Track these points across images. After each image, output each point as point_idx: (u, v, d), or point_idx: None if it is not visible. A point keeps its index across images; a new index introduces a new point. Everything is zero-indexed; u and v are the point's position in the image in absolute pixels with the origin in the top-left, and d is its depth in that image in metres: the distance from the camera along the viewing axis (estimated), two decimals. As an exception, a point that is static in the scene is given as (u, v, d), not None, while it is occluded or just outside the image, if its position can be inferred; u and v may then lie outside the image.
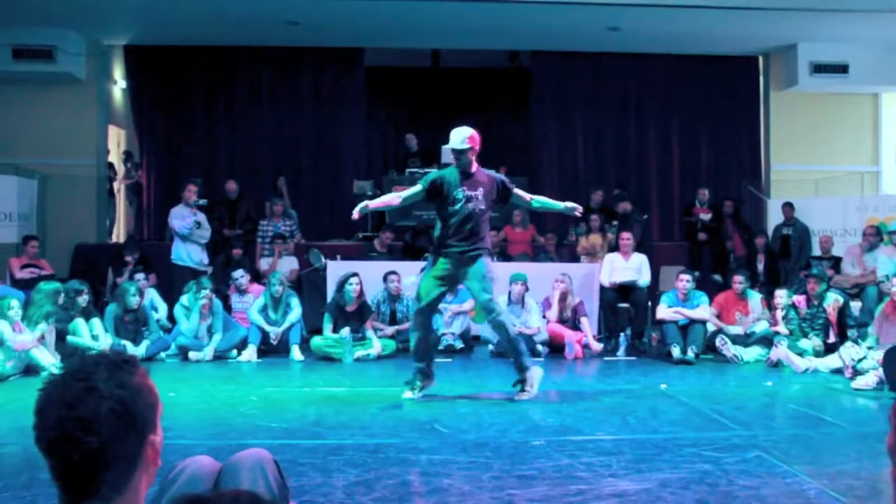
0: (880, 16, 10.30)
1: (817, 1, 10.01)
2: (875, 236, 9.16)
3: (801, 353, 7.02)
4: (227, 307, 8.26)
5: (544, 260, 10.20)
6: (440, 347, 7.82)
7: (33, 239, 9.19)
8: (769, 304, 7.89)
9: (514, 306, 8.00)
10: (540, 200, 5.93)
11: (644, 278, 8.62)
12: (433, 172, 5.86)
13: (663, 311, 7.81)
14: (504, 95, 14.43)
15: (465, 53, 13.12)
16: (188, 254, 8.71)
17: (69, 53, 11.05)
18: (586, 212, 10.91)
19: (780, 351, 7.08)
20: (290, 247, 10.11)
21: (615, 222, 10.60)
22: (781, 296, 7.82)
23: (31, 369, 6.56)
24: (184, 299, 7.82)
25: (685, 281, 7.87)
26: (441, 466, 3.69)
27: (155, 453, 1.31)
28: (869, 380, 5.89)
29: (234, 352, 7.72)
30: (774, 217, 11.35)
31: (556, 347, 7.97)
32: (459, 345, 8.18)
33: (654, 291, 9.09)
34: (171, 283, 8.86)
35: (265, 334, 7.73)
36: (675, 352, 7.43)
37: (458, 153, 5.45)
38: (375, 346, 7.67)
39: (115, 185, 12.57)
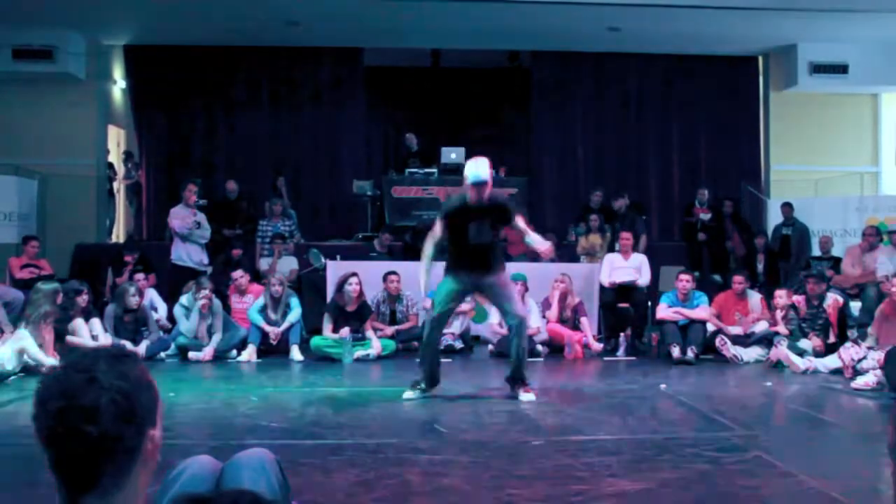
0: (880, 16, 10.31)
1: (817, 1, 10.01)
2: (875, 236, 9.16)
3: (800, 354, 7.03)
4: (227, 307, 8.26)
5: (544, 260, 10.18)
6: (440, 347, 7.81)
7: (33, 239, 9.18)
8: (769, 305, 7.89)
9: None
10: (529, 238, 5.79)
11: (644, 278, 8.63)
12: (447, 203, 5.81)
13: (663, 312, 7.81)
14: (504, 95, 14.42)
15: (465, 53, 13.13)
16: (188, 254, 8.71)
17: (69, 53, 11.05)
18: (586, 212, 10.98)
19: (780, 351, 7.08)
20: (290, 247, 10.11)
21: (616, 223, 10.61)
22: (781, 296, 7.83)
23: (30, 370, 6.54)
24: (183, 299, 7.82)
25: (685, 281, 7.88)
26: (441, 466, 3.69)
27: (154, 448, 1.32)
28: (868, 380, 5.89)
29: (234, 352, 7.72)
30: (774, 217, 11.36)
31: (555, 348, 7.98)
32: (459, 345, 8.19)
33: (653, 291, 9.09)
34: (171, 283, 8.86)
35: (265, 334, 7.72)
36: (675, 352, 7.43)
37: (479, 185, 5.41)
38: (375, 346, 7.67)
39: (115, 185, 12.57)
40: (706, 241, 10.97)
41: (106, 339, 7.26)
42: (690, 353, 7.41)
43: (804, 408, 5.34)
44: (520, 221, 5.71)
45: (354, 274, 7.87)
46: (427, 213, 10.85)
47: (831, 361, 6.70)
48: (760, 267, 9.98)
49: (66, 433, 1.22)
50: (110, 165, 12.38)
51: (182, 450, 3.12)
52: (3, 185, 10.22)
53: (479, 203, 5.44)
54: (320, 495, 3.23)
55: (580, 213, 11.32)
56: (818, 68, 11.77)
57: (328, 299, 8.31)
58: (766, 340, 7.55)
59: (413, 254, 10.07)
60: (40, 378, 1.31)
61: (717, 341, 7.60)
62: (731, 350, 7.49)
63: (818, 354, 7.04)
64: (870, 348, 6.37)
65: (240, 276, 8.38)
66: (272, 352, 7.77)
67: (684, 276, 7.94)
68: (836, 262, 9.50)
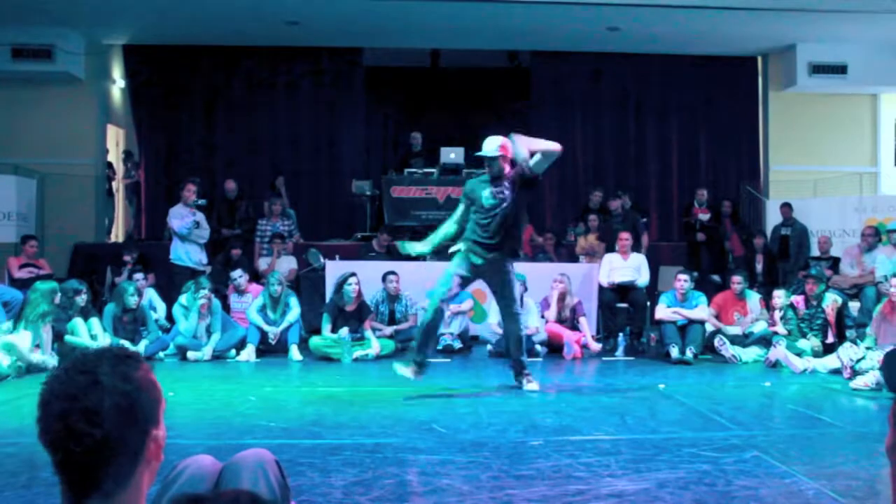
0: (879, 16, 10.31)
1: (816, 1, 10.02)
2: (873, 237, 9.17)
3: (799, 354, 7.03)
4: (226, 307, 8.26)
5: (543, 260, 10.21)
6: (439, 347, 7.83)
7: (32, 238, 9.18)
8: (767, 305, 7.90)
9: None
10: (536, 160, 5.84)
11: (643, 278, 8.63)
12: (469, 183, 5.95)
13: (662, 312, 7.82)
14: (503, 95, 14.41)
15: (464, 53, 13.13)
16: (187, 253, 8.71)
17: (68, 53, 11.04)
18: (585, 212, 10.99)
19: (779, 351, 7.08)
20: (289, 246, 10.11)
21: (612, 223, 10.61)
22: (780, 296, 7.83)
23: (30, 369, 6.54)
24: (182, 299, 7.82)
25: (683, 281, 7.88)
26: (439, 466, 3.69)
27: (157, 449, 1.32)
28: (867, 380, 5.90)
29: (233, 351, 7.72)
30: (773, 217, 11.36)
31: (554, 347, 7.98)
32: (458, 345, 8.19)
33: (652, 292, 9.09)
34: (170, 282, 8.86)
35: (264, 334, 7.73)
36: (674, 352, 7.43)
37: (489, 160, 5.65)
38: (374, 346, 7.67)
39: (115, 184, 12.57)
40: (705, 242, 10.98)
41: (105, 339, 7.26)
42: (689, 353, 7.41)
43: (803, 408, 5.34)
44: (532, 162, 5.66)
45: (354, 274, 7.87)
46: (426, 213, 10.85)
47: (830, 362, 6.71)
48: (759, 267, 9.99)
49: (69, 435, 1.22)
50: (109, 165, 12.38)
51: (181, 449, 3.12)
52: (2, 185, 10.22)
53: (494, 176, 5.63)
54: (319, 495, 3.23)
55: (579, 214, 11.33)
56: (817, 69, 11.77)
57: (327, 299, 8.31)
58: (765, 341, 7.56)
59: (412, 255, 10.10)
60: (44, 379, 1.31)
61: (716, 341, 7.60)
62: (730, 350, 7.49)
63: (817, 354, 7.04)
64: (868, 348, 6.38)
65: (239, 275, 8.38)
66: (271, 351, 7.77)
67: (682, 277, 7.95)
68: (834, 263, 9.51)
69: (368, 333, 7.79)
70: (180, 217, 8.72)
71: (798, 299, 7.60)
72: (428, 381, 5.84)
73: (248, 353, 7.58)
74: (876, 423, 4.97)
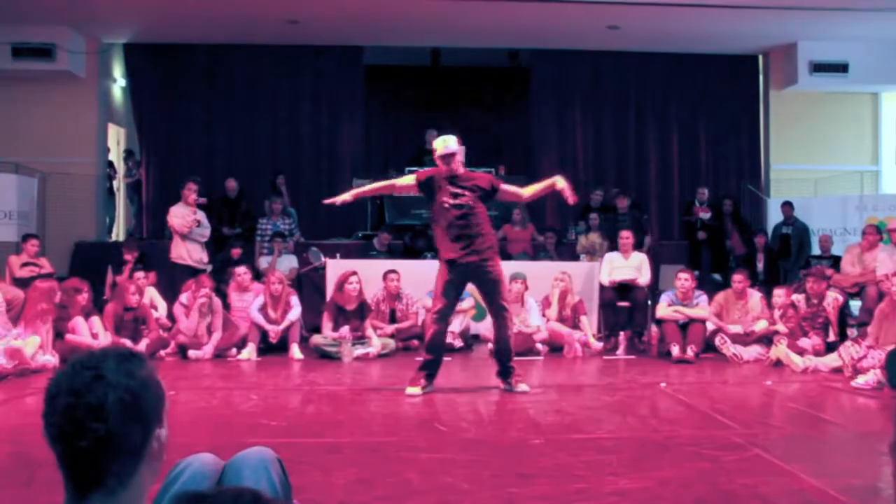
0: (880, 15, 10.31)
1: (817, 0, 10.02)
2: (874, 235, 9.16)
3: (800, 352, 7.03)
4: (226, 305, 8.25)
5: (544, 258, 10.21)
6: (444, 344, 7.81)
7: (33, 237, 9.18)
8: (769, 303, 7.89)
9: (514, 305, 8.00)
10: (530, 188, 6.04)
11: (644, 278, 8.62)
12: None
13: (663, 310, 7.81)
14: (504, 94, 14.43)
15: (464, 52, 13.13)
16: (188, 252, 8.71)
17: (69, 52, 11.05)
18: (586, 211, 11.00)
19: (780, 350, 7.08)
20: (290, 245, 10.11)
21: (616, 222, 10.63)
22: (780, 295, 7.83)
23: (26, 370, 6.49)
24: (183, 297, 7.81)
25: (684, 280, 7.87)
26: (441, 465, 3.69)
27: (160, 447, 1.32)
28: (868, 379, 5.90)
29: (234, 350, 7.72)
30: (774, 216, 11.36)
31: (555, 346, 7.98)
32: (458, 344, 8.18)
33: (654, 290, 9.09)
34: (171, 281, 8.85)
35: (264, 333, 7.73)
36: (675, 351, 7.43)
37: (446, 158, 5.64)
38: (375, 344, 7.68)
39: (116, 183, 12.57)
40: (706, 240, 10.99)
41: (106, 338, 7.26)
42: (690, 352, 7.41)
43: (804, 406, 5.34)
44: (508, 187, 5.88)
45: (354, 273, 7.87)
46: (427, 212, 10.84)
47: (831, 360, 6.70)
48: (760, 266, 9.99)
49: (74, 430, 1.23)
50: (110, 164, 12.39)
51: (181, 448, 3.11)
52: (3, 184, 10.22)
53: (453, 175, 5.62)
54: (320, 494, 3.23)
55: (580, 212, 11.33)
56: (818, 67, 11.77)
57: (328, 298, 8.31)
58: (766, 339, 7.55)
59: (412, 254, 10.11)
60: (51, 375, 1.32)
61: (717, 340, 7.60)
62: (731, 349, 7.49)
63: (818, 353, 7.04)
64: (870, 347, 6.37)
65: (243, 272, 8.37)
66: (272, 350, 7.77)
67: (684, 275, 7.94)
68: (835, 261, 9.50)
69: (369, 332, 7.79)
70: (181, 216, 8.71)
71: (799, 298, 7.59)
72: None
73: (249, 351, 7.58)
74: (877, 421, 4.97)
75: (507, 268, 8.39)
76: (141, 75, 12.49)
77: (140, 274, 8.51)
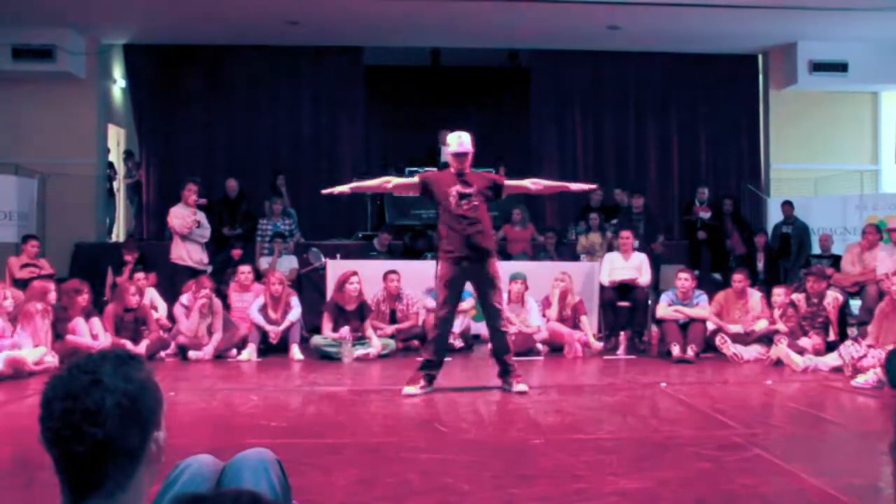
0: (879, 14, 10.30)
1: (817, -1, 10.02)
2: (874, 234, 9.16)
3: (800, 352, 7.02)
4: (226, 306, 8.25)
5: (544, 258, 10.21)
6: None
7: (33, 238, 9.18)
8: (769, 303, 7.89)
9: (514, 305, 8.00)
10: (541, 182, 6.09)
11: (644, 278, 8.62)
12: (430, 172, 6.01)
13: (663, 310, 7.81)
14: (504, 94, 14.43)
15: (465, 52, 13.12)
16: (188, 253, 8.71)
17: (69, 53, 11.05)
18: (586, 211, 11.00)
19: (780, 349, 7.08)
20: (290, 246, 10.11)
21: (614, 221, 10.64)
22: (779, 294, 7.83)
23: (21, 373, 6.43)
24: (183, 298, 7.81)
25: (684, 280, 7.87)
26: (441, 465, 3.69)
27: (158, 450, 1.32)
28: (869, 378, 5.90)
29: (234, 351, 7.72)
30: (774, 216, 11.36)
31: (555, 346, 7.98)
32: (459, 344, 8.18)
33: (655, 290, 9.09)
34: (171, 282, 8.85)
35: (265, 333, 7.72)
36: (675, 350, 7.43)
37: (461, 156, 5.63)
38: (375, 345, 7.68)
39: (116, 184, 12.57)
40: (706, 240, 10.98)
41: (106, 339, 7.26)
42: (690, 352, 7.40)
43: (804, 406, 5.33)
44: (512, 182, 5.93)
45: (355, 273, 7.87)
46: (427, 213, 10.85)
47: (831, 360, 6.70)
48: (760, 265, 9.98)
49: (71, 434, 1.23)
50: (110, 165, 12.39)
51: (181, 449, 3.11)
52: (3, 185, 10.22)
53: (461, 173, 5.64)
54: (320, 495, 3.23)
55: (580, 212, 11.33)
56: (818, 66, 11.77)
57: (328, 298, 8.31)
58: (766, 339, 7.55)
59: (413, 255, 10.11)
60: (48, 379, 1.32)
61: (717, 340, 7.60)
62: (731, 348, 7.48)
63: (818, 353, 7.04)
64: (870, 346, 6.37)
65: (247, 271, 8.36)
66: (272, 351, 7.77)
67: (684, 275, 7.94)
68: (835, 261, 9.50)
69: (370, 332, 7.79)
70: (181, 217, 8.71)
71: (799, 297, 7.59)
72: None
73: (250, 352, 7.58)
74: (877, 421, 4.97)
75: (508, 268, 8.45)
76: (141, 76, 12.50)
77: (140, 275, 8.51)
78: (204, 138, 12.61)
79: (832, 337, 7.32)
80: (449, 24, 11.23)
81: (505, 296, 7.63)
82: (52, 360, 6.71)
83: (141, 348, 7.28)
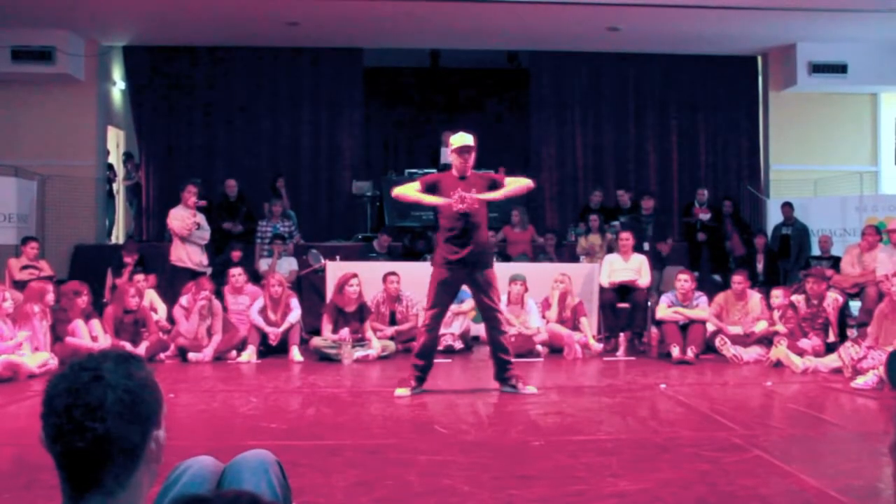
0: (879, 16, 10.32)
1: (816, 1, 10.02)
2: (874, 236, 9.16)
3: (800, 353, 7.02)
4: (224, 308, 8.25)
5: (544, 260, 10.21)
6: (439, 348, 7.82)
7: (33, 240, 9.18)
8: (768, 304, 7.89)
9: (514, 307, 8.00)
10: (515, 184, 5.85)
11: (644, 279, 8.62)
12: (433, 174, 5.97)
13: (663, 312, 7.81)
14: (503, 96, 14.44)
15: (464, 54, 13.14)
16: (187, 255, 8.71)
17: (68, 54, 11.06)
18: (585, 212, 11.00)
19: (780, 351, 7.08)
20: (290, 248, 10.12)
21: (614, 222, 10.65)
22: (777, 296, 7.82)
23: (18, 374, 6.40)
24: (183, 300, 7.81)
25: (684, 281, 7.87)
26: (441, 467, 3.69)
27: (158, 450, 1.33)
28: (868, 380, 5.90)
29: (234, 353, 7.71)
30: (774, 217, 11.37)
31: (555, 348, 7.98)
32: (459, 345, 8.18)
33: (656, 291, 9.09)
34: (171, 283, 8.86)
35: (264, 335, 7.72)
36: (675, 352, 7.43)
37: (466, 150, 5.58)
38: (375, 346, 7.67)
39: (115, 186, 12.58)
40: (706, 242, 10.98)
41: (106, 341, 7.26)
42: (690, 353, 7.40)
43: (804, 407, 5.33)
44: (506, 179, 5.79)
45: (355, 275, 7.87)
46: (427, 214, 10.85)
47: (831, 361, 6.70)
48: (760, 267, 9.99)
49: (72, 430, 1.24)
50: (110, 167, 12.39)
51: (181, 451, 3.11)
52: (3, 187, 10.23)
53: (463, 177, 5.62)
54: (320, 496, 3.23)
55: (579, 214, 11.33)
56: (817, 68, 11.78)
57: (327, 300, 8.31)
58: (766, 340, 7.55)
59: (412, 256, 10.11)
60: (50, 377, 1.33)
61: (717, 341, 7.59)
62: (731, 350, 7.48)
63: (818, 354, 7.03)
64: (870, 348, 6.37)
65: (238, 273, 8.35)
66: (272, 353, 7.77)
67: (684, 277, 7.94)
68: (835, 262, 9.50)
69: (369, 334, 7.79)
70: (181, 219, 8.71)
71: (798, 298, 7.59)
72: (429, 382, 5.84)
73: (249, 354, 7.58)
74: (877, 422, 4.97)
75: (507, 269, 8.46)
76: (140, 78, 12.50)
77: (140, 276, 8.51)
78: (203, 140, 12.62)
79: (832, 338, 7.31)
80: (448, 25, 11.24)
81: (504, 297, 7.67)
82: (53, 363, 6.70)
83: (140, 350, 7.27)
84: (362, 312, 7.83)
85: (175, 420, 4.63)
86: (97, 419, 1.24)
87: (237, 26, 11.13)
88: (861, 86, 12.17)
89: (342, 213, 12.56)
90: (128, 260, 9.24)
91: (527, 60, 13.25)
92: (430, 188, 5.66)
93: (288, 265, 9.72)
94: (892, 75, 11.81)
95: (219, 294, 8.30)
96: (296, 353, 7.62)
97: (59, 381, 1.29)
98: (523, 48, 13.02)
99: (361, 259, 9.82)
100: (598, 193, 11.52)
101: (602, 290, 8.72)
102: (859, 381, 5.95)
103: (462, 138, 5.64)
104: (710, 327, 7.78)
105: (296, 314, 7.86)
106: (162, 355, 7.57)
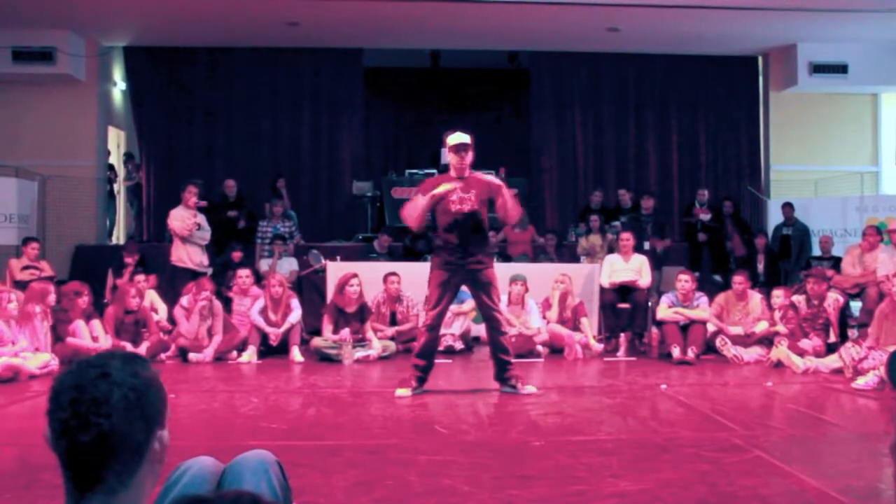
0: (879, 16, 10.32)
1: (816, 1, 10.02)
2: (875, 236, 9.16)
3: (801, 354, 7.02)
4: (228, 309, 8.25)
5: (544, 260, 10.21)
6: (440, 348, 7.82)
7: (33, 241, 9.19)
8: (769, 305, 7.89)
9: (514, 307, 8.00)
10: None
11: (644, 280, 8.62)
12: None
13: (663, 312, 7.81)
14: (503, 96, 14.44)
15: (464, 54, 13.14)
16: (188, 255, 8.71)
17: (69, 55, 11.07)
18: (586, 212, 11.00)
19: (781, 351, 7.08)
20: (290, 248, 10.12)
21: (615, 223, 10.66)
22: (778, 296, 7.82)
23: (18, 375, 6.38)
24: (184, 300, 7.82)
25: (684, 281, 7.87)
26: (441, 467, 3.69)
27: (162, 449, 1.34)
28: (869, 380, 5.89)
29: (234, 353, 7.71)
30: (774, 217, 11.37)
31: (556, 348, 7.98)
32: (459, 346, 8.18)
33: (656, 292, 9.09)
34: (171, 284, 8.86)
35: (265, 335, 7.72)
36: (676, 352, 7.43)
37: (462, 148, 5.54)
38: (375, 347, 7.67)
39: (116, 186, 12.58)
40: (706, 242, 10.98)
41: (106, 341, 7.26)
42: (691, 354, 7.40)
43: (805, 408, 5.33)
44: (507, 198, 5.62)
45: (355, 275, 7.87)
46: (427, 215, 10.82)
47: (832, 361, 6.70)
48: (761, 267, 9.99)
49: (77, 425, 1.25)
50: (111, 167, 12.40)
51: (182, 451, 3.12)
52: (4, 187, 10.24)
53: (462, 177, 5.59)
54: (320, 496, 3.23)
55: (580, 214, 11.33)
56: (818, 68, 11.79)
57: (328, 300, 8.31)
58: (767, 340, 7.55)
59: (413, 257, 10.11)
60: (57, 374, 1.35)
61: (718, 341, 7.59)
62: (732, 350, 7.48)
63: (819, 354, 7.03)
64: (870, 348, 6.37)
65: (246, 275, 8.35)
66: (272, 353, 7.77)
67: (684, 277, 7.94)
68: (836, 262, 9.50)
69: (370, 334, 7.79)
70: (181, 219, 8.72)
71: (799, 299, 7.58)
72: (429, 382, 5.84)
73: (250, 354, 7.58)
74: (878, 422, 4.96)
75: (508, 270, 8.45)
76: (141, 78, 12.51)
77: (140, 277, 8.52)
78: (204, 140, 12.63)
79: (833, 339, 7.31)
80: (449, 25, 11.24)
81: (505, 297, 7.67)
82: (54, 364, 6.70)
83: (141, 350, 7.28)
84: (363, 313, 7.84)
85: (176, 420, 4.60)
86: (102, 415, 1.25)
87: (238, 27, 11.14)
88: (862, 86, 12.17)
89: (343, 213, 12.57)
90: (128, 260, 9.24)
91: (527, 61, 13.25)
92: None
93: (288, 265, 9.72)
94: (892, 75, 11.82)
95: (220, 294, 8.30)
96: (296, 354, 7.62)
97: (66, 377, 1.31)
98: (523, 48, 13.03)
99: (362, 259, 9.83)
100: (599, 194, 11.52)
101: (602, 290, 8.72)
102: (860, 382, 5.94)
103: (458, 136, 5.63)
104: (711, 328, 7.78)
105: (296, 314, 7.86)
106: (162, 356, 7.58)
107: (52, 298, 7.10)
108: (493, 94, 14.49)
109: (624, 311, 8.57)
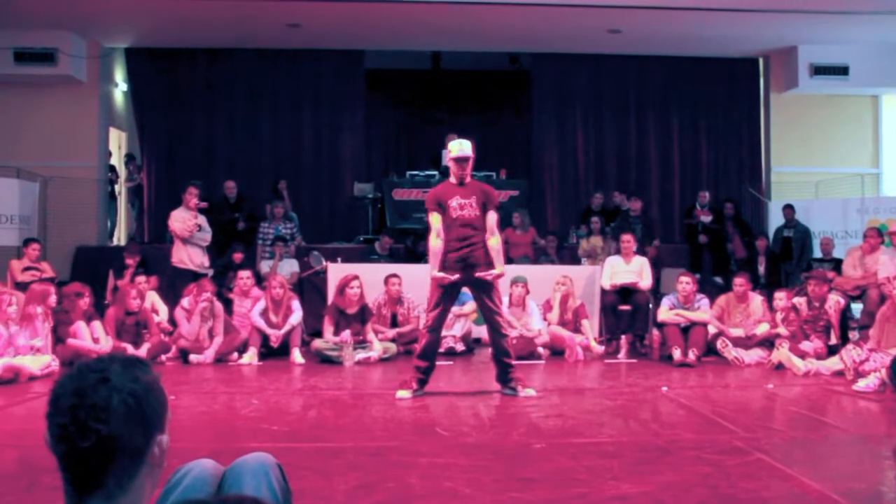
0: (880, 17, 10.32)
1: (817, 3, 10.02)
2: (876, 238, 9.16)
3: (802, 356, 7.01)
4: (229, 310, 8.25)
5: (545, 262, 10.21)
6: (440, 350, 7.82)
7: (34, 242, 9.19)
8: (770, 307, 7.88)
9: (515, 309, 8.00)
10: (494, 242, 5.71)
11: (645, 281, 8.61)
12: (432, 192, 5.94)
13: (664, 314, 7.81)
14: (505, 98, 14.44)
15: (465, 55, 13.14)
16: (189, 256, 8.71)
17: (70, 56, 11.07)
18: (587, 214, 11.00)
19: (782, 353, 7.07)
20: (291, 249, 10.12)
21: (614, 225, 10.65)
22: (780, 298, 7.82)
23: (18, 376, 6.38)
24: (184, 302, 7.82)
25: (685, 283, 7.87)
26: (442, 469, 3.69)
27: (161, 454, 1.33)
28: (870, 382, 5.89)
29: (235, 355, 7.71)
30: (775, 219, 11.37)
31: (557, 350, 7.97)
32: (460, 347, 8.18)
33: (656, 294, 9.08)
34: (172, 285, 8.86)
35: (266, 337, 7.72)
36: (676, 354, 7.42)
37: (463, 160, 5.64)
38: (376, 348, 7.67)
39: (117, 187, 12.59)
40: (707, 244, 10.98)
41: (107, 343, 7.26)
42: (692, 356, 7.40)
43: (806, 410, 5.33)
44: (493, 216, 5.73)
45: (356, 277, 7.87)
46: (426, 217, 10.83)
47: (833, 363, 6.69)
48: (762, 269, 9.98)
49: (76, 430, 1.25)
50: (112, 168, 12.40)
51: (182, 453, 3.11)
52: (5, 188, 10.24)
53: (462, 183, 5.68)
54: (321, 499, 3.23)
55: (581, 216, 11.33)
56: (819, 70, 11.78)
57: (329, 302, 8.31)
58: (768, 342, 7.54)
59: (414, 259, 10.10)
60: (57, 378, 1.35)
61: (719, 343, 7.59)
62: (733, 352, 7.48)
63: (820, 356, 7.02)
64: (871, 350, 6.36)
65: (248, 276, 8.36)
66: (273, 355, 7.76)
67: (685, 279, 7.93)
68: (837, 264, 9.50)
69: (371, 336, 7.79)
70: (182, 220, 8.72)
71: (800, 301, 7.58)
72: (430, 384, 5.84)
73: (251, 356, 7.58)
74: (880, 425, 4.96)
75: (509, 272, 8.42)
76: (142, 79, 12.52)
77: (141, 278, 8.52)
78: (205, 142, 12.63)
79: (834, 341, 7.30)
80: (450, 27, 11.25)
81: (506, 299, 7.66)
82: (55, 365, 6.70)
83: (142, 352, 7.28)
84: (364, 314, 7.83)
85: (176, 422, 4.58)
86: (101, 420, 1.25)
87: (239, 28, 11.14)
88: (862, 88, 12.17)
89: (343, 214, 12.57)
90: (129, 261, 9.24)
91: (528, 62, 13.25)
92: (438, 205, 5.69)
93: (289, 267, 9.72)
94: (893, 77, 11.81)
95: (220, 296, 8.30)
96: (297, 355, 7.62)
97: (66, 381, 1.30)
98: (525, 50, 13.02)
99: (363, 261, 9.82)
100: (600, 195, 11.52)
101: (603, 292, 8.71)
102: (861, 384, 5.94)
103: (460, 147, 5.68)
104: (712, 329, 7.77)
105: (297, 316, 7.86)
106: (163, 357, 7.58)
107: (52, 299, 7.10)
108: (494, 96, 14.48)
109: (625, 312, 8.55)
